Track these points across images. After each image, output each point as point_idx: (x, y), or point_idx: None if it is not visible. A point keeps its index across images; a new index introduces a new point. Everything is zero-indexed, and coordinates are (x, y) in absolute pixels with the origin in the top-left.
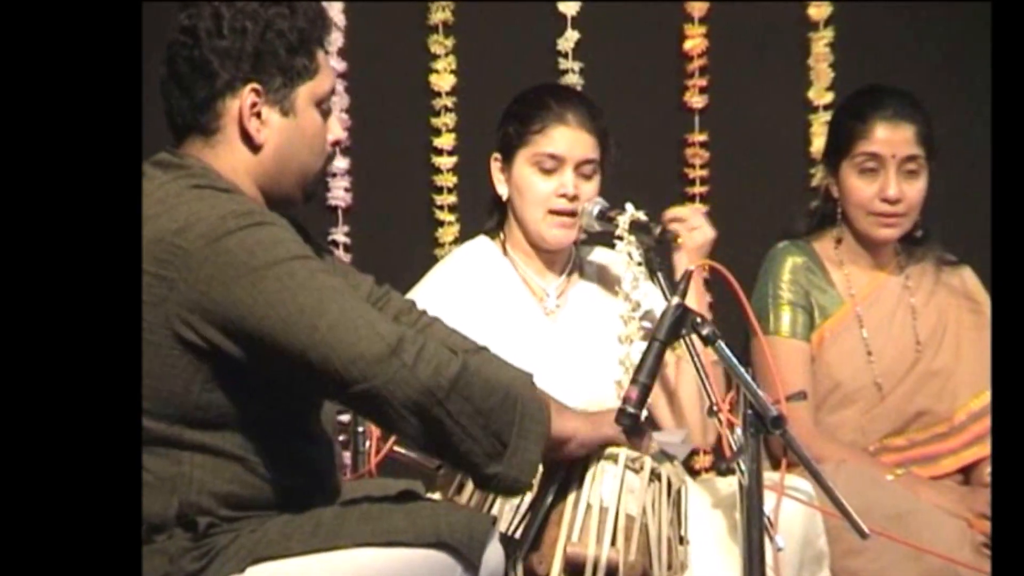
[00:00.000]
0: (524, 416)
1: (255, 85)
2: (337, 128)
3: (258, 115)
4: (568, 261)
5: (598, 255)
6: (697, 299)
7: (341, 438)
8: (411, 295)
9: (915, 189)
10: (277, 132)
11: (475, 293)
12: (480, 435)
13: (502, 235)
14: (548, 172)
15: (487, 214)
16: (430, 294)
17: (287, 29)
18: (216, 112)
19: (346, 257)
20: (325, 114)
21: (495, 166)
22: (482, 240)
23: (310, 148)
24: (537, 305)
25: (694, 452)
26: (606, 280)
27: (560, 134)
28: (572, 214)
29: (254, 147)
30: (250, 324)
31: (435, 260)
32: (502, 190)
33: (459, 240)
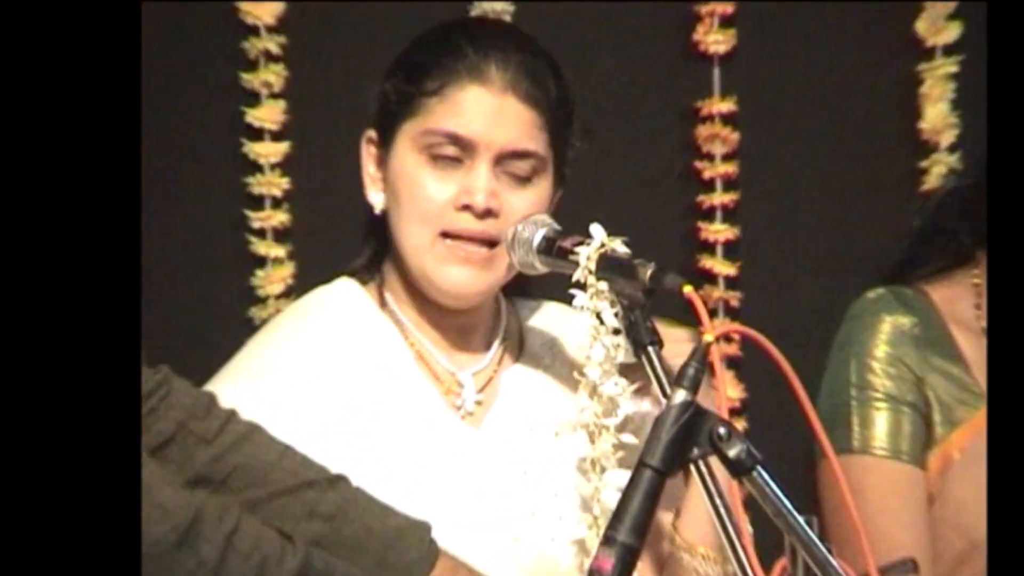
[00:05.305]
0: None
1: None
2: None
3: None
4: (495, 328)
5: (549, 314)
6: (716, 397)
7: None
8: (217, 383)
9: None
10: None
11: (335, 382)
12: None
13: (378, 279)
14: (447, 166)
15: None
16: (251, 384)
17: None
18: None
19: None
20: None
21: (367, 152)
22: (344, 286)
23: None
24: (445, 402)
25: None
26: (564, 358)
27: (472, 99)
28: (487, 242)
29: None
30: None
31: (250, 324)
32: (375, 197)
33: (296, 291)
